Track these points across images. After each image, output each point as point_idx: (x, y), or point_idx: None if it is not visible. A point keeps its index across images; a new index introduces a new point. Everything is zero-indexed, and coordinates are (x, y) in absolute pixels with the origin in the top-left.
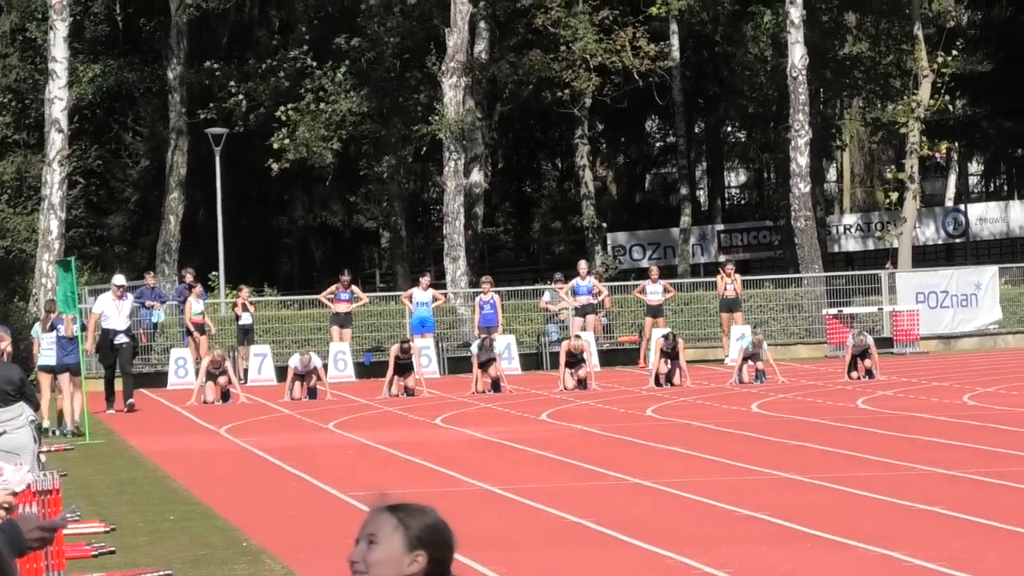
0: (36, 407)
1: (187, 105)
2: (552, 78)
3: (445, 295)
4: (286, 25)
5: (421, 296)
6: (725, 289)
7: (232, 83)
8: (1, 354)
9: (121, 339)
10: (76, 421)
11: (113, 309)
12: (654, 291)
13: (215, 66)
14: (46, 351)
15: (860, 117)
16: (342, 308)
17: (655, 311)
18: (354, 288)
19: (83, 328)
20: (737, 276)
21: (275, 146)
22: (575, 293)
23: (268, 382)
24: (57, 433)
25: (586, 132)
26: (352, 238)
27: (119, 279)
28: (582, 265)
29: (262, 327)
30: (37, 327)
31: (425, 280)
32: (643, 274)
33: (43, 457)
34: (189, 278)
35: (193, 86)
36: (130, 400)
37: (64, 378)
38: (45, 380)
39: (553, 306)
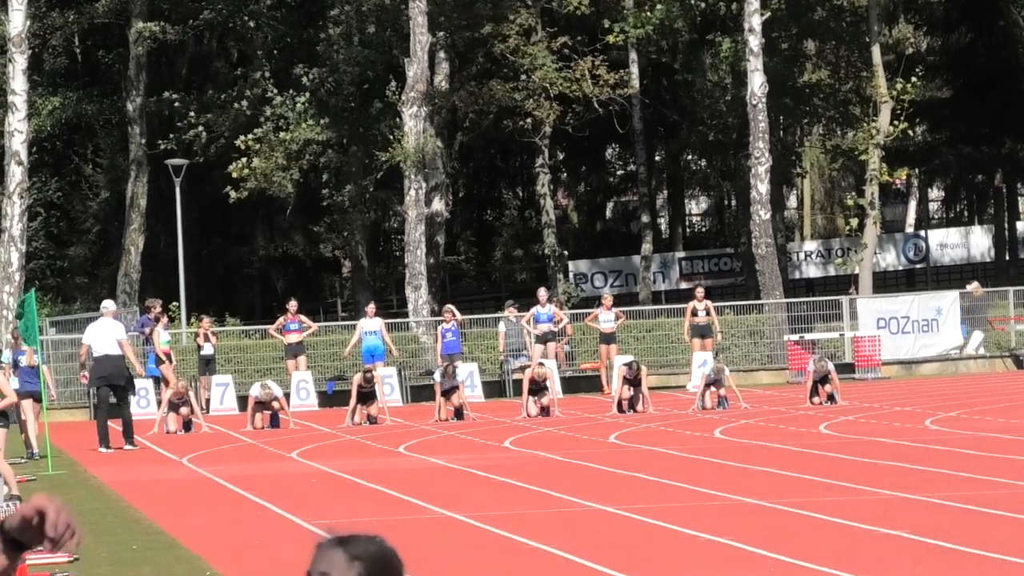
0: None
1: (147, 136)
2: (513, 107)
3: (390, 324)
4: (245, 56)
5: (369, 325)
6: (695, 315)
7: (192, 113)
8: None
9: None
10: (41, 447)
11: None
12: (607, 319)
13: (174, 96)
14: (14, 377)
15: (820, 144)
16: (293, 338)
17: (608, 338)
18: (301, 317)
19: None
20: (709, 303)
21: (234, 175)
22: (536, 321)
23: (230, 412)
24: (27, 458)
25: (547, 161)
26: (314, 267)
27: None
28: (542, 293)
29: (224, 357)
30: (7, 353)
31: (371, 309)
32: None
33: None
34: (157, 309)
35: (153, 118)
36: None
37: (28, 405)
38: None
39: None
